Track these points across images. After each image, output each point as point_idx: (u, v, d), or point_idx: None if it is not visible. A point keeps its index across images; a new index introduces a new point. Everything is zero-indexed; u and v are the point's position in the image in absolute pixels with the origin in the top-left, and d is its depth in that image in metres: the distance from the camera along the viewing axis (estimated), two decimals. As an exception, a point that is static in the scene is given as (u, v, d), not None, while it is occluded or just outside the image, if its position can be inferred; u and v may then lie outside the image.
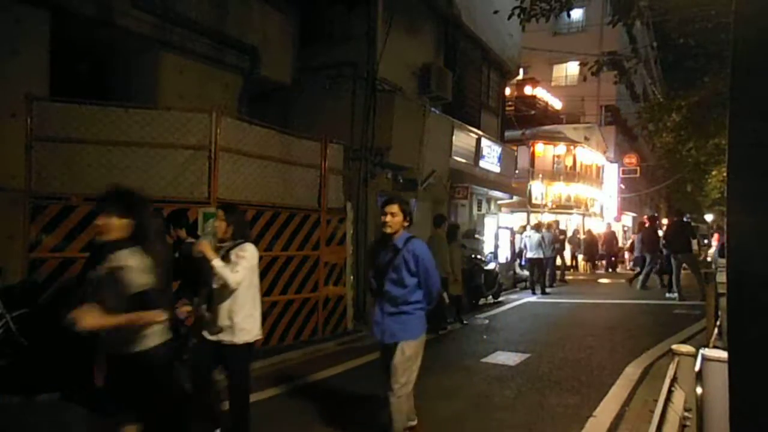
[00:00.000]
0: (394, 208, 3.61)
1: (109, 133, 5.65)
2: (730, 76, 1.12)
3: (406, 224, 3.65)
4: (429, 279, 3.61)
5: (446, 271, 8.22)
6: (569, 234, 19.19)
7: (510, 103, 19.61)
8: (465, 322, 8.68)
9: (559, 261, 15.72)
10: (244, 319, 3.56)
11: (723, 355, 2.35)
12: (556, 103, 24.89)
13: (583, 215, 22.90)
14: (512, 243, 14.37)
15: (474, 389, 5.39)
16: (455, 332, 8.30)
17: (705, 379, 2.45)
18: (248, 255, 3.57)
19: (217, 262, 3.44)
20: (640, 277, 13.25)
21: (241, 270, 3.50)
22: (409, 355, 3.59)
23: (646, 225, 13.76)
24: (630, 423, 4.43)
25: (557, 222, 18.10)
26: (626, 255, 22.11)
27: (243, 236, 3.68)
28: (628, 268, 20.98)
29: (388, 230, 3.59)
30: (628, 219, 30.27)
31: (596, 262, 20.82)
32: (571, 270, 19.12)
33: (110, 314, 2.67)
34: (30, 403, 4.51)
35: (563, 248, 17.31)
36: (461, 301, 8.95)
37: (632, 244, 18.44)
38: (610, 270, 20.49)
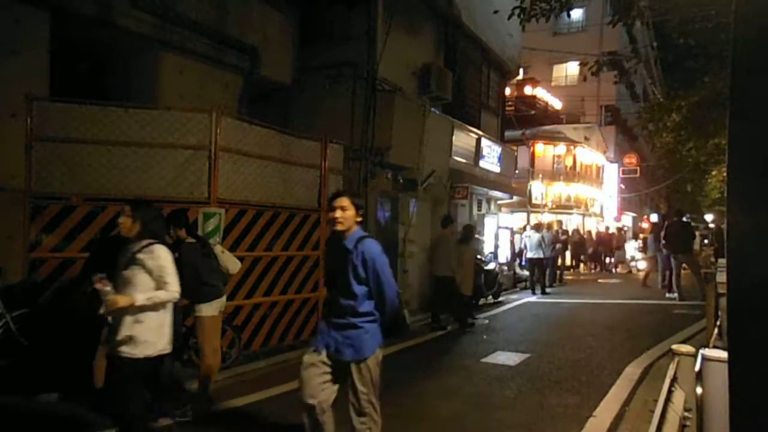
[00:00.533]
0: (345, 201, 3.16)
1: (109, 133, 5.64)
2: (730, 76, 1.12)
3: (359, 220, 3.20)
4: (382, 286, 3.10)
5: (452, 271, 8.33)
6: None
7: (510, 103, 19.61)
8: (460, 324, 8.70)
9: (558, 261, 15.73)
10: (148, 330, 3.18)
11: (723, 355, 2.35)
12: (556, 103, 24.90)
13: (583, 215, 22.90)
14: (512, 243, 14.37)
15: (474, 389, 5.39)
16: (455, 332, 8.31)
17: (705, 379, 2.45)
18: (165, 262, 3.23)
19: (140, 298, 3.12)
20: (666, 277, 12.92)
21: (171, 279, 3.21)
22: (365, 375, 3.11)
23: (660, 224, 13.57)
24: (630, 423, 4.43)
25: (560, 222, 18.08)
26: (638, 255, 21.97)
27: (153, 235, 3.30)
28: (626, 269, 20.90)
29: (339, 227, 3.13)
30: (628, 219, 30.28)
31: (590, 262, 20.76)
32: (572, 270, 19.12)
33: None
34: (30, 403, 4.51)
35: (566, 248, 17.29)
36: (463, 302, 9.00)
37: (645, 243, 18.34)
38: (601, 270, 20.40)
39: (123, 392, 3.20)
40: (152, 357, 3.19)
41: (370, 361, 3.12)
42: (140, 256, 3.19)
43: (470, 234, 9.10)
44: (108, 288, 3.10)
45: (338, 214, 3.13)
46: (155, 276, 3.18)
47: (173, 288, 3.20)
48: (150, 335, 3.17)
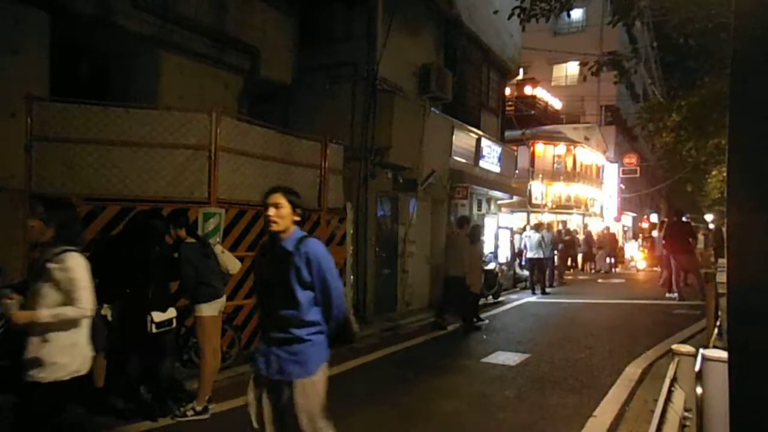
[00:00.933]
0: (279, 197, 2.79)
1: (109, 133, 5.64)
2: (730, 76, 1.12)
3: (296, 218, 2.83)
4: (329, 291, 2.74)
5: (464, 272, 8.46)
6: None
7: (510, 103, 19.58)
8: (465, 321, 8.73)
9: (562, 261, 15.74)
10: (57, 350, 2.76)
11: (723, 355, 2.35)
12: (556, 103, 24.89)
13: (583, 215, 22.88)
14: (512, 243, 14.38)
15: (474, 389, 5.39)
16: (456, 332, 8.31)
17: (705, 379, 2.44)
18: (77, 273, 2.78)
19: (43, 314, 2.72)
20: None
21: (81, 293, 2.76)
22: (311, 396, 2.72)
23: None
24: (630, 423, 4.43)
25: (565, 223, 18.00)
26: (638, 255, 21.87)
27: (69, 241, 2.86)
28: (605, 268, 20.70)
29: (274, 227, 2.76)
30: (628, 219, 30.27)
31: (589, 263, 20.62)
32: (572, 270, 19.09)
33: None
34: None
35: (567, 250, 17.22)
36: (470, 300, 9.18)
37: (653, 242, 18.23)
38: (589, 270, 20.23)
39: (31, 420, 2.82)
40: (64, 380, 2.76)
41: (316, 377, 2.74)
42: (50, 265, 2.77)
43: (478, 234, 9.21)
44: (11, 301, 2.78)
45: (272, 212, 2.76)
46: (63, 289, 2.76)
47: (83, 304, 2.76)
48: (60, 356, 2.76)
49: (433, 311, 9.68)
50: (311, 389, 2.72)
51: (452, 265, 8.57)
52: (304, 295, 2.73)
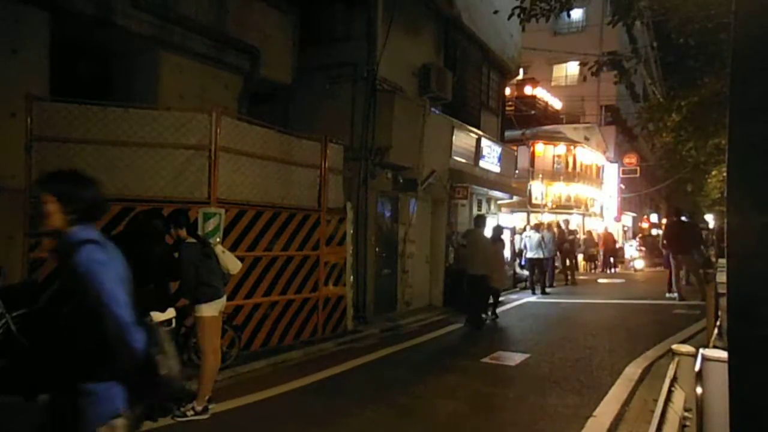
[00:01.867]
0: (43, 192, 2.06)
1: (109, 133, 5.65)
2: (730, 76, 1.12)
3: (72, 216, 2.04)
4: (100, 316, 1.96)
5: (490, 269, 8.67)
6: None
7: (510, 103, 19.56)
8: (496, 316, 9.24)
9: (563, 261, 15.68)
10: None
11: (723, 355, 2.35)
12: (556, 103, 24.87)
13: (583, 215, 22.87)
14: (512, 243, 14.39)
15: (474, 389, 5.40)
16: (456, 331, 8.32)
17: (705, 379, 2.44)
18: None
19: None
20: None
21: None
22: None
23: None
24: (630, 423, 4.43)
25: (567, 222, 17.97)
26: (637, 255, 21.75)
27: None
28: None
29: (42, 229, 2.10)
30: (628, 219, 30.29)
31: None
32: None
33: None
34: (30, 403, 4.51)
35: (573, 248, 17.18)
36: (499, 295, 9.59)
37: (653, 242, 18.16)
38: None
39: None
40: None
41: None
42: None
43: (500, 233, 9.63)
44: None
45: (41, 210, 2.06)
46: None
47: None
48: None
49: (433, 311, 9.72)
50: None
51: (474, 264, 8.63)
52: (72, 323, 2.04)
